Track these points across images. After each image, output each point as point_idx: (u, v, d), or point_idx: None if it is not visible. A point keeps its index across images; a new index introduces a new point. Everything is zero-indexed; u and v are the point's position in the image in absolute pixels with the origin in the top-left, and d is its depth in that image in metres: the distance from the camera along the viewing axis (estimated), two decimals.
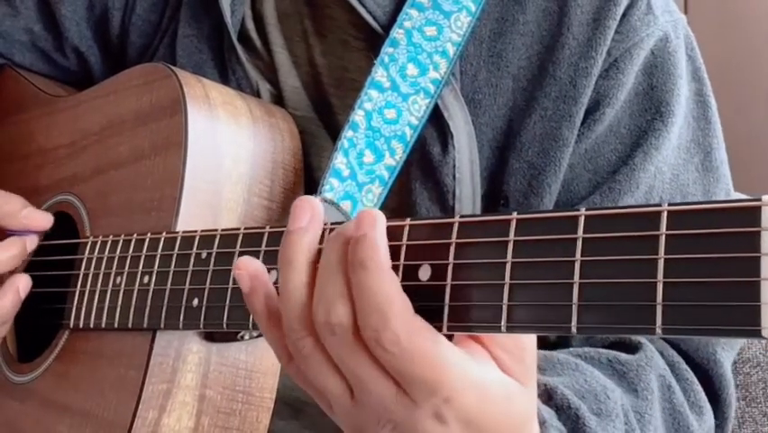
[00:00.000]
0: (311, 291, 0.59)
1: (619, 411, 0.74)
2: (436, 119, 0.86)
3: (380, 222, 0.57)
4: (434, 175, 0.86)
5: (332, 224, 0.62)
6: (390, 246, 0.59)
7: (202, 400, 0.80)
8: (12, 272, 0.92)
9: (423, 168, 0.87)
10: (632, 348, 0.82)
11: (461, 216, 0.58)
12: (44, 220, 0.94)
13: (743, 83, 1.51)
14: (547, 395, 0.72)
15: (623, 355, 0.80)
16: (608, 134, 0.87)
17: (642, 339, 0.82)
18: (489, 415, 0.58)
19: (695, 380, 0.83)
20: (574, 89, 0.85)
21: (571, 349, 0.82)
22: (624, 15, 0.86)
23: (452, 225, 0.58)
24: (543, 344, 0.86)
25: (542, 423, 0.67)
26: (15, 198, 0.95)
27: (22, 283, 0.90)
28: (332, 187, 0.83)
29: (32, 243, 0.93)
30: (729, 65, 1.49)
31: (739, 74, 1.50)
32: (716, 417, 0.86)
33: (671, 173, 0.87)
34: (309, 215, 0.60)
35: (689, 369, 0.84)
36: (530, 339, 0.59)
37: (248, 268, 0.62)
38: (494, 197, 0.88)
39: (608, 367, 0.80)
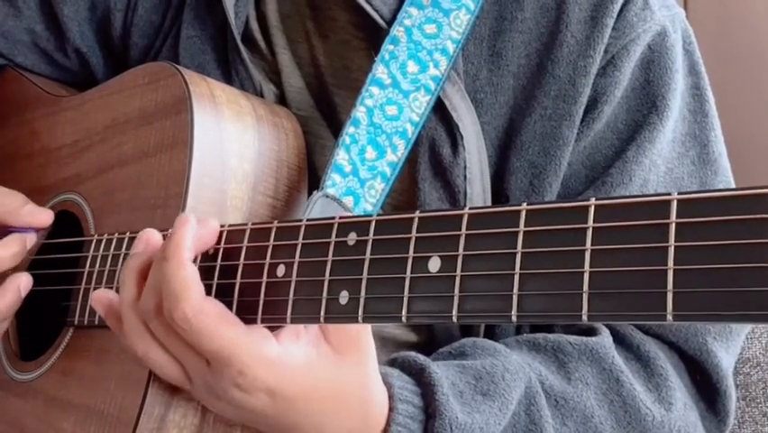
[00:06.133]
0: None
1: (513, 394, 0.77)
2: (444, 120, 0.87)
3: (188, 225, 0.69)
4: (445, 176, 0.87)
5: None
6: (399, 239, 0.61)
7: None
8: (15, 270, 0.92)
9: (433, 168, 0.87)
10: (592, 335, 0.84)
11: (471, 208, 0.58)
12: (46, 217, 0.94)
13: (743, 83, 1.52)
14: (420, 374, 0.76)
15: (568, 347, 0.82)
16: (605, 131, 0.88)
17: (603, 331, 0.84)
18: (290, 384, 0.68)
19: (670, 376, 0.84)
20: (573, 88, 0.86)
21: (522, 336, 0.86)
22: (621, 12, 0.87)
23: (461, 216, 0.58)
24: (536, 327, 0.88)
25: (391, 397, 0.73)
26: (16, 194, 0.95)
27: (23, 282, 0.90)
28: (334, 182, 0.84)
29: (31, 240, 0.93)
30: (729, 65, 1.50)
31: (739, 74, 1.51)
32: (716, 411, 0.87)
33: (665, 167, 0.88)
34: (144, 244, 0.73)
35: (666, 366, 0.84)
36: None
37: (100, 299, 0.75)
38: (495, 196, 0.88)
39: (552, 355, 0.83)
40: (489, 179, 0.88)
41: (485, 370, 0.77)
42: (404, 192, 0.89)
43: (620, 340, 0.85)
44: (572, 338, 0.83)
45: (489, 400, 0.75)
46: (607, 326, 0.85)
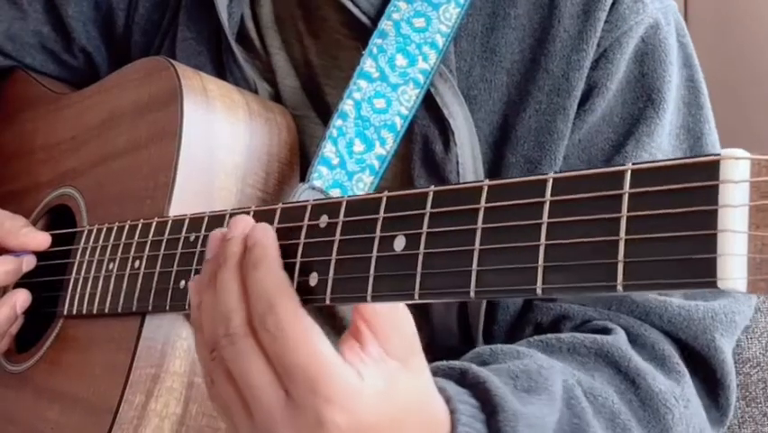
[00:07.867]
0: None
1: (555, 387, 0.73)
2: (436, 117, 0.87)
3: (268, 229, 0.63)
4: (438, 172, 0.87)
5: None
6: (367, 220, 0.61)
7: (190, 387, 0.80)
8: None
9: (427, 165, 0.87)
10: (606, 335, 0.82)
11: (437, 186, 0.58)
12: (42, 240, 0.94)
13: (743, 83, 1.50)
14: (462, 377, 0.72)
15: (583, 349, 0.80)
16: (600, 124, 0.87)
17: (617, 331, 0.82)
18: (382, 414, 0.60)
19: (686, 372, 0.82)
20: (567, 82, 0.86)
21: (532, 338, 0.83)
22: (613, 5, 0.87)
23: (426, 195, 0.58)
24: (541, 328, 0.86)
25: (447, 400, 0.67)
26: (17, 217, 0.96)
27: (21, 300, 0.90)
28: (320, 174, 0.84)
29: (29, 263, 0.93)
30: (729, 65, 1.49)
31: (739, 74, 1.49)
32: (719, 405, 0.85)
33: None
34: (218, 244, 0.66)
35: (681, 363, 0.83)
36: (404, 316, 0.61)
37: None
38: None
39: (568, 355, 0.80)
40: (483, 174, 0.87)
41: (519, 369, 0.74)
42: (401, 190, 0.88)
43: (634, 339, 0.83)
44: (586, 339, 0.81)
45: (534, 395, 0.72)
46: (620, 325, 0.84)
